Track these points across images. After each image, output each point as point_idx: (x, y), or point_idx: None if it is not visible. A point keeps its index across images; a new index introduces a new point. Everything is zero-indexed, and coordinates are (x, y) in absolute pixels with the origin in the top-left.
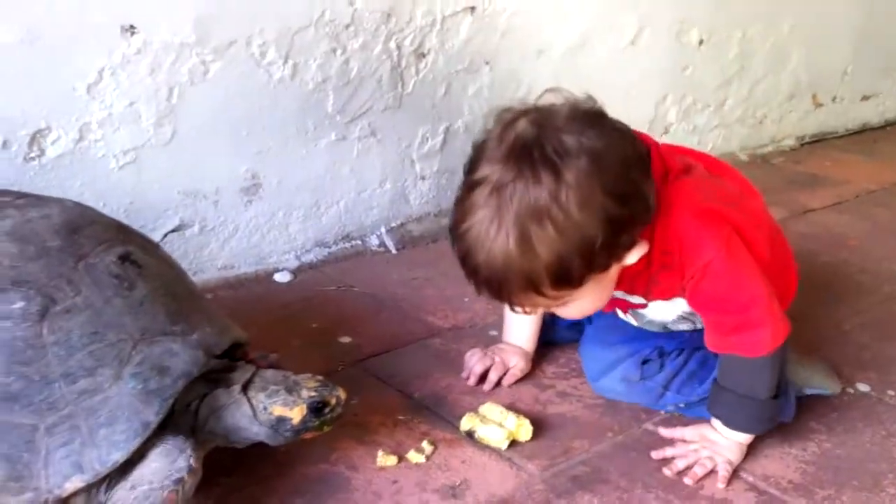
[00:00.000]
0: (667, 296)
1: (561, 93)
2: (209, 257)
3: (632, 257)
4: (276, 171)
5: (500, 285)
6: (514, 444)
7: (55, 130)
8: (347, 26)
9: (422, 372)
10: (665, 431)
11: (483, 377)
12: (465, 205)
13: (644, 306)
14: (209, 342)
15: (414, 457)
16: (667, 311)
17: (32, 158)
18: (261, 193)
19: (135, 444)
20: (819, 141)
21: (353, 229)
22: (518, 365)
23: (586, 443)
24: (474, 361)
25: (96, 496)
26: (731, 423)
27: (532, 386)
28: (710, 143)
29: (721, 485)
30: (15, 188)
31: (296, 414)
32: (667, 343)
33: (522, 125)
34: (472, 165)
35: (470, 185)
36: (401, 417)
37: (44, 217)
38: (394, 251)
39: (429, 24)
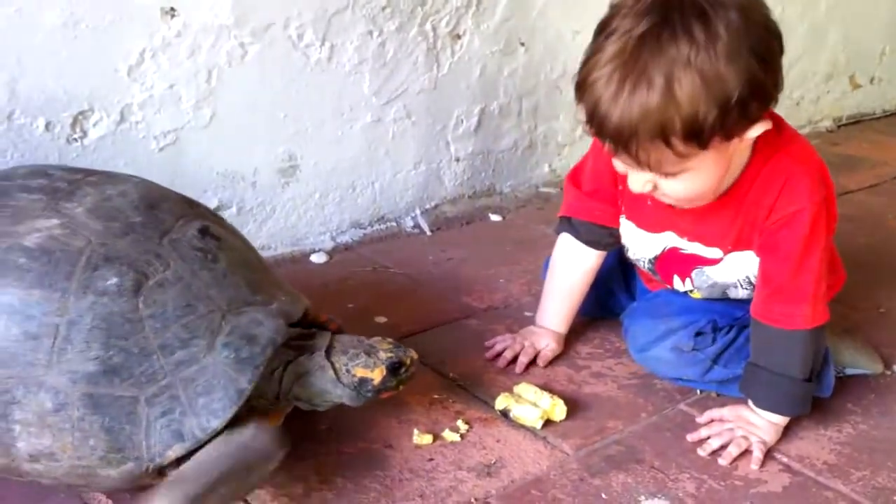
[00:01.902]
0: (745, 246)
1: None
2: (247, 238)
3: (755, 131)
4: (312, 152)
5: (631, 132)
6: (548, 423)
7: (97, 112)
8: (384, 8)
9: (457, 352)
10: (703, 416)
11: (513, 361)
12: (598, 55)
13: (718, 261)
14: (287, 310)
15: (449, 435)
16: (738, 269)
17: (75, 140)
18: (298, 175)
19: (232, 412)
20: (856, 122)
21: (387, 211)
22: (549, 346)
23: (620, 423)
24: (502, 347)
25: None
26: (761, 403)
27: (566, 366)
28: None
29: (754, 466)
30: None
31: (376, 375)
32: (720, 318)
33: None
34: (606, 21)
35: (605, 34)
36: (436, 396)
37: (121, 194)
38: (428, 232)
39: (464, 5)
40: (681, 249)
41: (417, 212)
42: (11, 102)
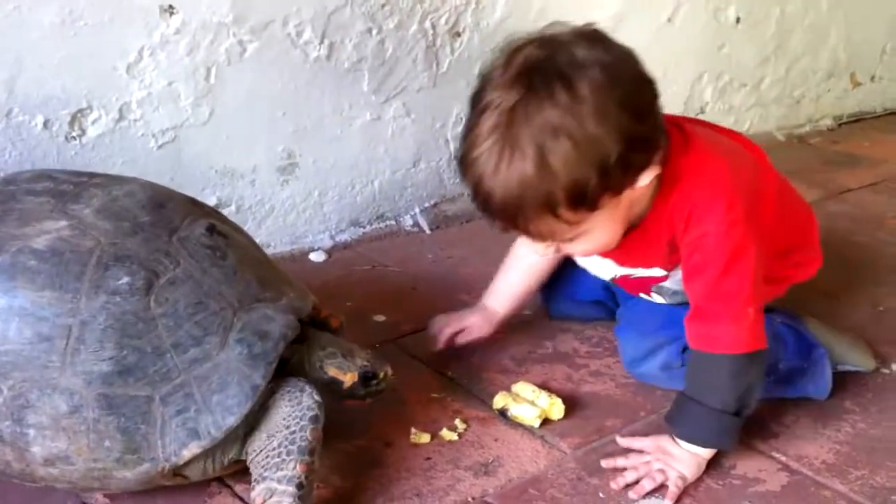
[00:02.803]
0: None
1: (561, 24)
2: None
3: (644, 179)
4: (311, 150)
5: (516, 210)
6: (546, 422)
7: (96, 110)
8: (383, 6)
9: (455, 350)
10: (622, 441)
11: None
12: (475, 132)
13: (665, 278)
14: (296, 306)
15: (447, 434)
16: None
17: (74, 138)
18: (297, 173)
19: (247, 408)
20: (857, 121)
21: (387, 209)
22: (475, 325)
23: (619, 422)
24: (431, 326)
25: (212, 462)
26: (678, 430)
27: (565, 365)
28: (746, 122)
29: (669, 501)
30: (59, 167)
31: (348, 378)
32: None
33: (529, 49)
34: (478, 93)
35: (479, 111)
36: (434, 395)
37: (127, 194)
38: (428, 231)
39: (464, 3)
40: (629, 275)
41: (417, 210)
42: (10, 100)
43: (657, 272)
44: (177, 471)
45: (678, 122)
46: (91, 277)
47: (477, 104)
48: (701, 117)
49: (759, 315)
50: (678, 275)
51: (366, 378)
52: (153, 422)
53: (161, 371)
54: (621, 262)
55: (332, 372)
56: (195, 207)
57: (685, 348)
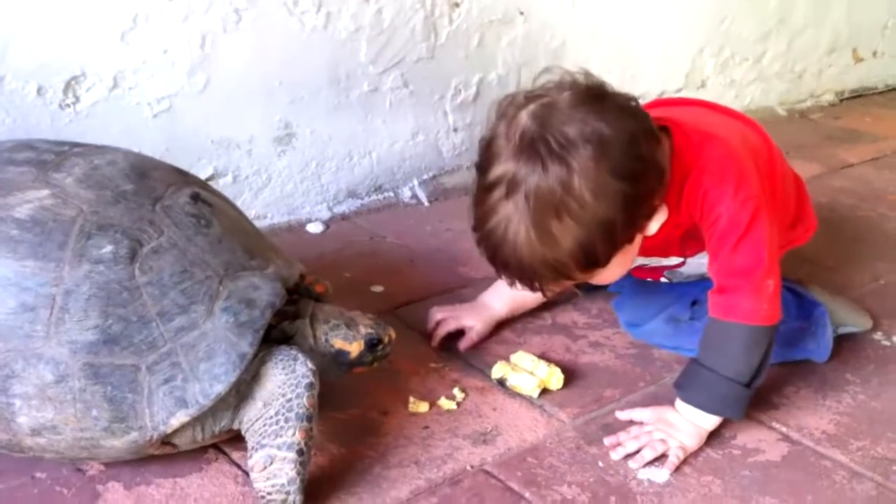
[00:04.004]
0: (699, 249)
1: (557, 72)
2: (242, 207)
3: (654, 226)
4: (308, 120)
5: (531, 279)
6: (545, 392)
7: (90, 77)
8: None
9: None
10: (621, 414)
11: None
12: (485, 207)
13: (682, 264)
14: (283, 274)
15: (445, 403)
16: (705, 263)
17: (67, 105)
18: (294, 143)
19: (235, 376)
20: (859, 97)
21: (385, 181)
22: (475, 328)
23: (618, 392)
24: (430, 318)
25: (201, 431)
26: (685, 395)
27: (564, 335)
28: (747, 97)
29: (667, 470)
30: (52, 136)
31: (354, 348)
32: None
33: (524, 120)
34: (484, 165)
35: (486, 186)
36: (432, 365)
37: (109, 163)
38: (426, 203)
39: None
40: (645, 265)
41: (415, 182)
42: (2, 66)
43: (674, 260)
44: (165, 439)
45: (672, 120)
46: (74, 246)
47: (484, 174)
48: (702, 91)
49: (778, 290)
50: (695, 260)
51: (371, 344)
52: (140, 391)
53: (147, 340)
54: (640, 254)
55: (338, 344)
56: (179, 176)
57: (695, 301)
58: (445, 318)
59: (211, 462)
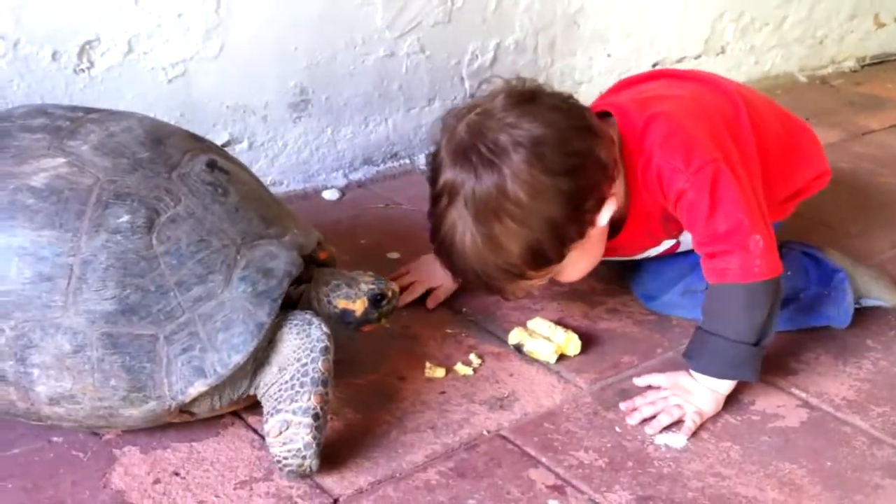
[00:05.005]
0: (681, 228)
1: (496, 81)
2: (258, 173)
3: (603, 217)
4: (324, 86)
5: (487, 283)
6: (562, 358)
7: (104, 42)
8: None
9: (470, 287)
10: (639, 380)
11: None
12: (435, 217)
13: (677, 244)
14: (300, 242)
15: (462, 369)
16: None
17: (82, 70)
18: (309, 110)
19: (253, 346)
20: (880, 63)
21: (401, 148)
22: (441, 288)
23: (635, 358)
24: (396, 279)
25: (219, 399)
26: (696, 363)
27: (581, 302)
28: (768, 62)
29: (684, 435)
30: (66, 102)
31: (358, 306)
32: None
33: (461, 130)
34: (432, 177)
35: (433, 197)
36: (449, 331)
37: (125, 130)
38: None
39: None
40: (645, 257)
41: (432, 149)
42: (17, 30)
43: (667, 244)
44: (184, 408)
45: (616, 107)
46: (91, 216)
47: (433, 185)
48: (721, 58)
49: (770, 243)
50: (688, 236)
51: (375, 301)
52: (158, 360)
53: (165, 310)
54: (631, 254)
55: (341, 304)
56: (195, 143)
57: None
58: (412, 282)
59: (227, 427)
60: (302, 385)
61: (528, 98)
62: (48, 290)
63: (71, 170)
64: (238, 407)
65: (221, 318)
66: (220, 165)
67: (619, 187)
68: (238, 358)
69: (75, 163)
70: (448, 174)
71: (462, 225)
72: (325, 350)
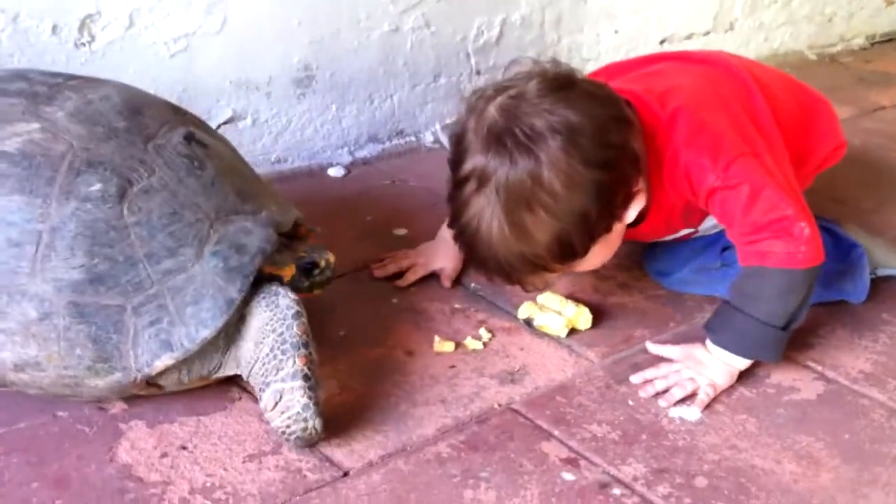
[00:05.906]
0: (703, 216)
1: (526, 62)
2: (262, 150)
3: (631, 214)
4: (328, 62)
5: (509, 273)
6: (573, 332)
7: (105, 15)
8: None
9: None
10: (652, 347)
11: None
12: (458, 202)
13: (696, 231)
14: (277, 220)
15: (471, 343)
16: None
17: (83, 44)
18: (313, 86)
19: (222, 321)
20: (890, 40)
21: (406, 125)
22: (445, 270)
23: (647, 332)
24: (391, 260)
25: (188, 373)
26: (716, 334)
27: (592, 276)
28: (777, 40)
29: (697, 408)
30: None
31: (287, 272)
32: None
33: (491, 113)
34: (455, 160)
35: (457, 181)
36: (457, 306)
37: (103, 98)
38: (448, 147)
39: None
40: (662, 241)
41: (437, 126)
42: (17, 3)
43: (688, 230)
44: (151, 381)
45: (636, 95)
46: (62, 183)
47: (456, 169)
48: (730, 34)
49: (815, 230)
50: (707, 223)
51: (306, 269)
52: (125, 331)
53: (133, 281)
54: (648, 239)
55: (268, 269)
56: (174, 115)
57: (725, 248)
58: (413, 264)
59: (235, 401)
60: (284, 352)
61: (564, 84)
62: (16, 255)
63: (45, 136)
64: (207, 382)
65: (191, 292)
66: (197, 138)
67: (642, 182)
68: (206, 333)
69: (49, 129)
70: (478, 158)
71: (490, 212)
72: (297, 314)
